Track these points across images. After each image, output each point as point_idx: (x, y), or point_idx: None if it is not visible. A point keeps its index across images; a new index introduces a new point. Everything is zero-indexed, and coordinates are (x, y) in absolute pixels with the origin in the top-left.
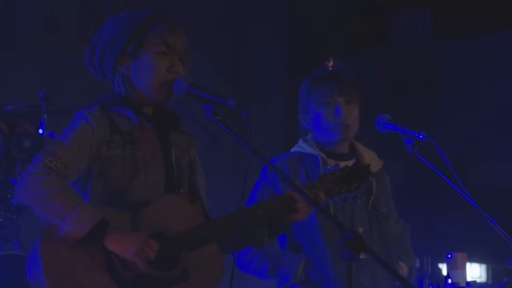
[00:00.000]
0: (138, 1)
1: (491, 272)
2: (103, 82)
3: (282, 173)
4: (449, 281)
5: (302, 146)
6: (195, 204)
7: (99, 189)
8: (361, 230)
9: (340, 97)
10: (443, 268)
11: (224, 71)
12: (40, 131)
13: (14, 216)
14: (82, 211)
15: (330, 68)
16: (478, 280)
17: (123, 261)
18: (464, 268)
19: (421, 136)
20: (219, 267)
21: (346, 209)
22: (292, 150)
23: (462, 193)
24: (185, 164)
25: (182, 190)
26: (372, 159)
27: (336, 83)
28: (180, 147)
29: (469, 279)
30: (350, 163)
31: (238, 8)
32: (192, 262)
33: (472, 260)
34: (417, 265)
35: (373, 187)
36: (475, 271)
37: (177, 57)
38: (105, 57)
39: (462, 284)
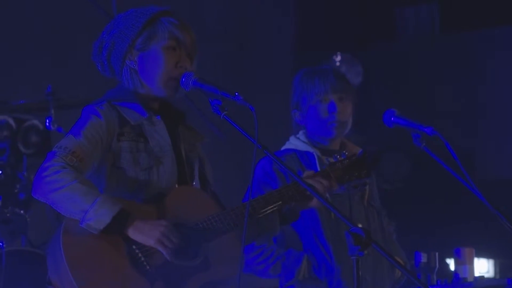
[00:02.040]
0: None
1: (499, 267)
2: (111, 78)
3: (290, 168)
4: (457, 276)
5: (295, 144)
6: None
7: (113, 182)
8: (359, 225)
9: (334, 94)
10: (451, 263)
11: (231, 67)
12: (48, 126)
13: (22, 212)
14: (103, 202)
15: (337, 63)
16: (485, 275)
17: (146, 251)
18: (471, 263)
19: (428, 131)
20: (238, 257)
21: (345, 204)
22: (284, 147)
23: (470, 188)
24: (195, 158)
25: (194, 183)
26: None
27: (329, 79)
28: (188, 141)
29: (476, 274)
30: None
31: (246, 4)
32: (211, 252)
33: (480, 255)
34: (425, 260)
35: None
36: (482, 266)
37: (186, 53)
38: (114, 51)
39: (470, 279)
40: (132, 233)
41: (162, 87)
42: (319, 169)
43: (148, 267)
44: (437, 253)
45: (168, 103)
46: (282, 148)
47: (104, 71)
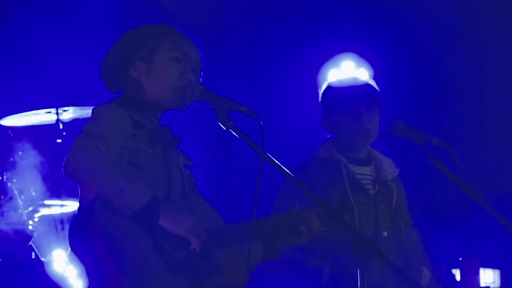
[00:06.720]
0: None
1: (504, 278)
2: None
3: (298, 182)
4: (463, 287)
5: (322, 152)
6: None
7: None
8: (385, 234)
9: (361, 103)
10: (457, 273)
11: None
12: None
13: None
14: (139, 184)
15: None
16: (491, 286)
17: (170, 242)
18: (477, 273)
19: (435, 142)
20: (245, 270)
21: (370, 212)
22: (312, 155)
23: (476, 198)
24: (190, 175)
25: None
26: (389, 166)
27: (356, 88)
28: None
29: (482, 284)
30: (368, 169)
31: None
32: (222, 258)
33: (486, 265)
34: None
35: (393, 192)
36: (488, 277)
37: (190, 67)
38: (119, 63)
39: None
40: (164, 220)
41: (166, 97)
42: (345, 177)
43: (173, 258)
44: (442, 264)
45: (166, 127)
46: (311, 155)
47: (109, 85)
